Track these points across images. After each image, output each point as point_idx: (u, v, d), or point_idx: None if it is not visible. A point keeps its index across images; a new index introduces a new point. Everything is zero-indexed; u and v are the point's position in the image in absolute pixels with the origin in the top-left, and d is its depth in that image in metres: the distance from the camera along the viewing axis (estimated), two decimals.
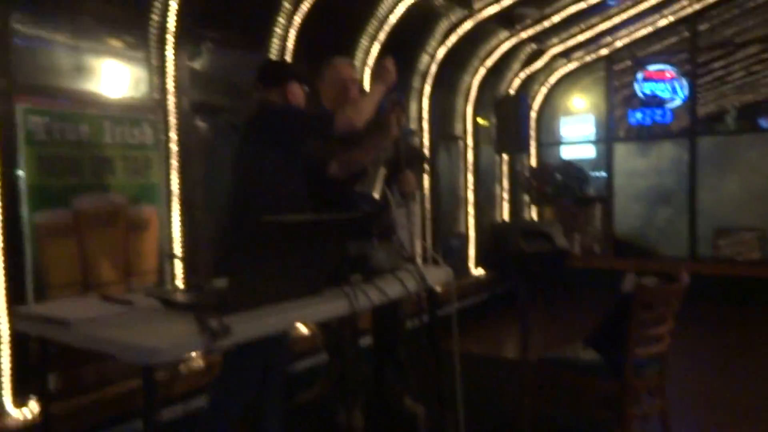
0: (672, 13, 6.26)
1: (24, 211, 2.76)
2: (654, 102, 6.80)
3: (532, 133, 7.09)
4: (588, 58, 6.95)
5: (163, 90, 3.36)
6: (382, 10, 4.59)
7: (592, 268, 6.69)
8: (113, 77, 3.23)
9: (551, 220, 3.84)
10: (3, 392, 2.68)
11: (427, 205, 5.37)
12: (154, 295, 1.75)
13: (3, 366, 2.68)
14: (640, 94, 6.89)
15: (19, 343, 2.68)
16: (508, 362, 4.33)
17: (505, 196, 6.81)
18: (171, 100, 3.36)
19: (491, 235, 2.96)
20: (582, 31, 6.22)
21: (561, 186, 6.63)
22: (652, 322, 2.49)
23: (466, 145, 6.14)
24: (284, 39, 3.98)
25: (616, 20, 6.06)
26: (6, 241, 2.68)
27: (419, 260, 5.03)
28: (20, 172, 2.74)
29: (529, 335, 2.95)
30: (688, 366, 4.12)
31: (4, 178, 2.68)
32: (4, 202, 2.67)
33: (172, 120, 3.35)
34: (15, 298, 2.70)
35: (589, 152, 7.48)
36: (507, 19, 5.54)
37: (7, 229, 2.69)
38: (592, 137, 7.41)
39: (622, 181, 7.03)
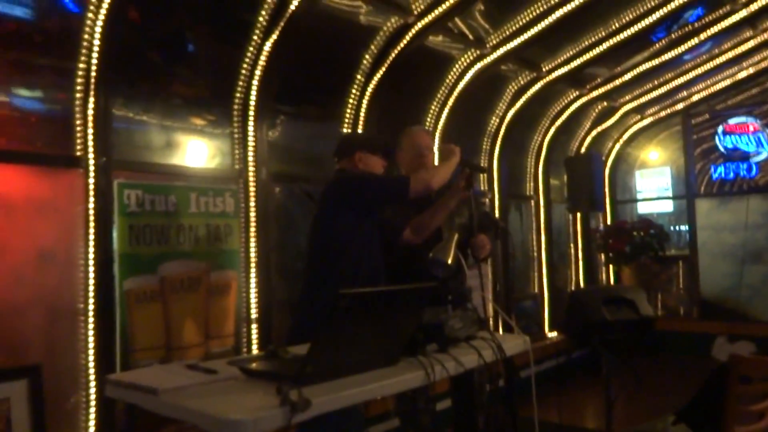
0: (752, 65, 6.07)
1: (116, 277, 2.94)
2: (737, 156, 6.54)
3: (606, 190, 6.94)
4: (663, 113, 6.81)
5: (245, 161, 3.55)
6: (451, 77, 4.71)
7: (677, 330, 6.34)
8: (198, 151, 3.45)
9: (634, 285, 3.70)
10: None
11: (499, 266, 5.30)
12: (236, 363, 1.80)
13: (90, 428, 2.79)
14: (721, 148, 6.65)
15: (104, 406, 2.79)
16: None
17: (580, 255, 6.64)
18: (251, 171, 3.54)
19: (569, 301, 2.88)
20: (655, 87, 6.13)
21: (639, 244, 6.40)
22: (751, 396, 2.31)
23: (537, 204, 6.07)
24: (357, 109, 4.15)
25: (692, 75, 5.94)
26: (98, 305, 2.85)
27: (493, 324, 4.94)
28: (114, 241, 2.93)
29: (613, 407, 2.80)
30: None
31: (100, 247, 2.87)
32: (97, 269, 2.86)
33: (252, 189, 3.51)
34: (104, 360, 2.84)
35: (666, 207, 7.23)
36: (576, 79, 5.55)
37: (100, 294, 2.86)
38: (669, 191, 7.16)
39: (706, 238, 6.71)
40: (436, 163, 2.88)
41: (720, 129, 6.64)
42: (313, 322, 2.07)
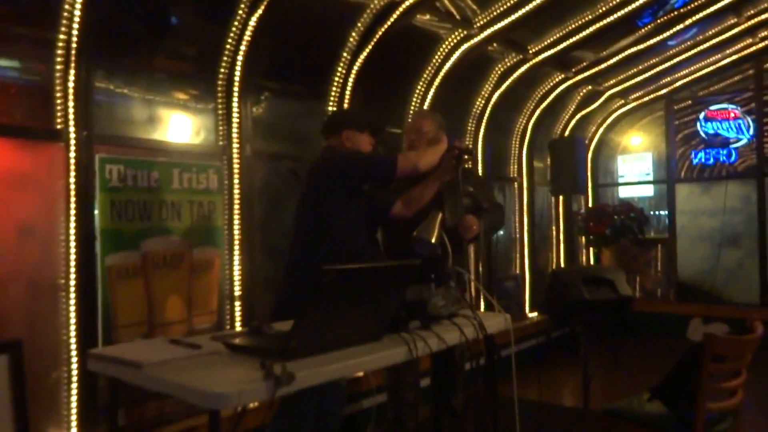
0: (735, 52, 6.12)
1: (97, 253, 2.91)
2: (717, 142, 6.62)
3: (588, 173, 7.00)
4: (646, 98, 6.86)
5: (229, 137, 3.52)
6: (437, 57, 4.69)
7: (654, 312, 6.46)
8: (182, 127, 3.42)
9: (613, 266, 3.75)
10: (72, 428, 2.78)
11: (482, 246, 5.34)
12: (220, 339, 1.81)
13: (72, 403, 2.79)
14: (702, 134, 6.72)
15: (85, 381, 2.79)
16: (568, 411, 4.19)
17: (561, 237, 6.71)
18: (235, 147, 3.52)
19: (550, 281, 2.92)
20: (640, 72, 6.16)
21: (619, 227, 6.48)
22: (723, 374, 2.38)
23: (521, 186, 6.11)
24: (343, 87, 4.12)
25: (676, 60, 5.98)
26: (79, 281, 2.83)
27: (475, 303, 4.99)
28: (95, 217, 2.91)
29: (590, 384, 2.86)
30: (763, 421, 3.88)
31: (81, 223, 2.84)
32: (79, 245, 2.83)
33: (236, 166, 3.49)
34: (86, 335, 2.83)
35: (647, 191, 7.31)
36: (562, 63, 5.56)
37: (81, 270, 2.84)
38: (651, 176, 7.24)
39: (685, 222, 6.82)
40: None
41: (702, 115, 6.71)
42: (296, 299, 2.08)
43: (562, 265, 6.68)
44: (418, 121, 3.03)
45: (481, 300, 3.86)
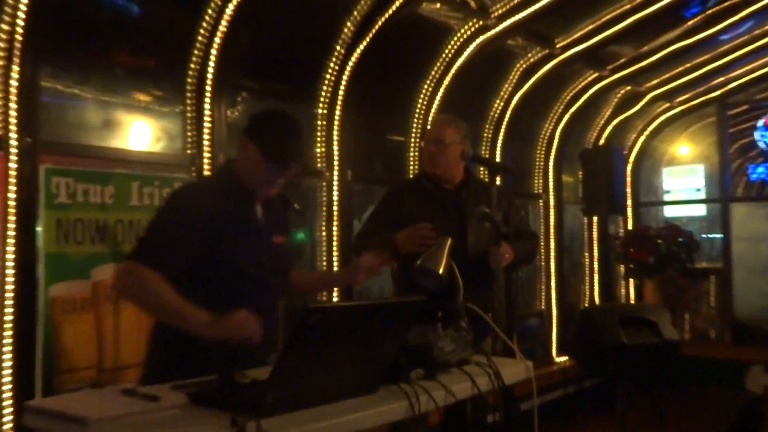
0: None
1: (40, 282, 2.90)
2: None
3: (628, 189, 7.02)
4: (695, 102, 6.89)
5: (199, 145, 3.54)
6: (447, 51, 4.73)
7: (706, 357, 6.42)
8: (143, 132, 3.44)
9: (656, 305, 3.75)
10: None
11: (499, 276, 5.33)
12: (183, 388, 1.79)
13: None
14: (762, 145, 6.75)
15: None
16: None
17: (595, 266, 6.70)
18: (206, 157, 3.54)
19: (581, 321, 2.92)
20: (687, 71, 6.19)
21: (664, 254, 6.49)
22: None
23: (547, 205, 6.13)
24: (335, 86, 4.15)
25: (729, 57, 6.01)
26: (18, 316, 2.80)
27: (491, 348, 4.98)
28: (38, 238, 2.90)
29: None
30: None
31: (20, 245, 2.83)
32: (18, 272, 2.82)
33: None
34: (22, 383, 2.80)
35: (698, 211, 7.32)
36: (595, 59, 5.60)
37: (20, 302, 2.82)
38: (702, 193, 7.25)
39: (743, 249, 6.81)
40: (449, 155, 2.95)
41: (761, 123, 6.74)
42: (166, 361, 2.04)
43: (596, 299, 6.67)
44: (439, 130, 3.04)
45: (498, 342, 3.85)
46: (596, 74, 5.88)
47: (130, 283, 2.03)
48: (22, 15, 2.82)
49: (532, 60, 5.33)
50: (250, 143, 2.16)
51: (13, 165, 2.83)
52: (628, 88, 6.35)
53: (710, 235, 7.17)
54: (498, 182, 2.82)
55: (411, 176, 3.47)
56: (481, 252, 2.85)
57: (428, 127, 3.08)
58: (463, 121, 3.13)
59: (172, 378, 1.85)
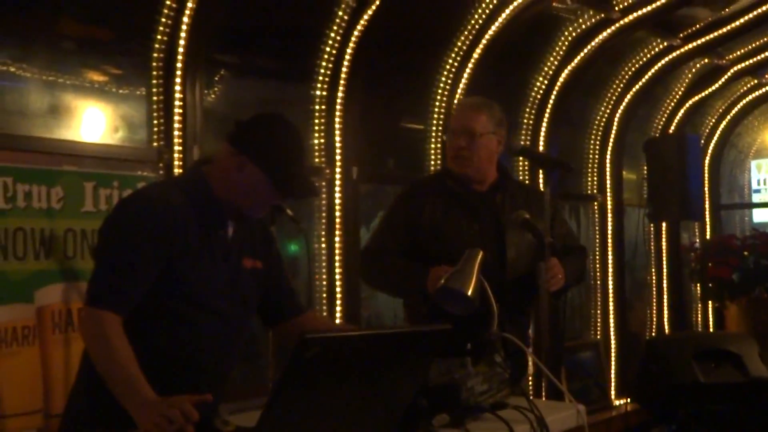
0: None
1: None
2: None
3: (706, 188, 6.99)
4: None
5: (168, 136, 3.56)
6: (477, 17, 4.74)
7: None
8: (98, 121, 3.46)
9: (741, 333, 3.72)
10: None
11: (543, 300, 5.32)
12: None
13: None
14: None
15: None
16: None
17: (664, 285, 6.68)
18: (177, 150, 3.55)
19: (646, 354, 2.92)
20: None
21: (752, 270, 6.46)
22: None
23: (603, 208, 6.11)
24: (337, 62, 4.17)
25: None
26: None
27: (533, 387, 4.97)
28: None
29: None
30: None
31: None
32: None
33: None
34: None
35: None
36: (664, 25, 5.59)
37: None
38: None
39: None
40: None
41: None
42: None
43: (666, 328, 6.63)
44: (467, 117, 2.98)
45: (543, 381, 3.85)
46: (665, 43, 5.87)
47: (88, 335, 2.10)
48: None
49: (584, 27, 5.34)
50: (250, 164, 2.15)
51: None
52: (706, 61, 6.34)
53: None
54: (542, 184, 2.79)
55: (431, 174, 3.44)
56: (522, 270, 2.85)
57: (452, 114, 3.04)
58: (497, 104, 3.11)
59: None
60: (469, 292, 2.42)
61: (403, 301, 3.17)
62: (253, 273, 2.29)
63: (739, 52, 6.35)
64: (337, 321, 4.03)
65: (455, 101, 4.73)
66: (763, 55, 6.36)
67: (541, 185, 2.81)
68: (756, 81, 6.91)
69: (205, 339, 2.16)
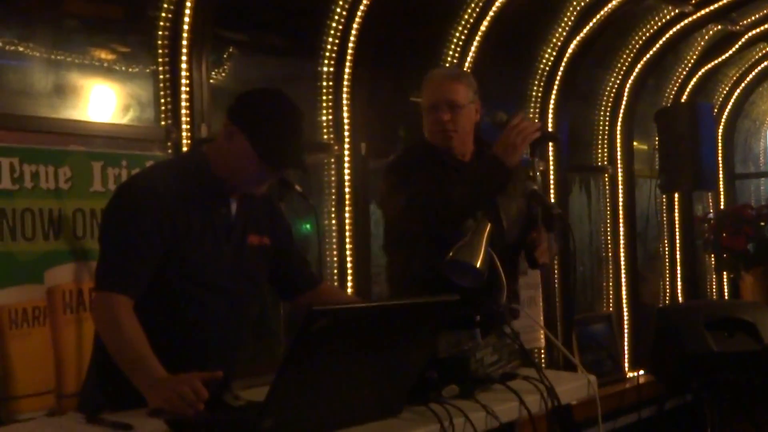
0: None
1: None
2: None
3: (719, 158, 6.95)
4: None
5: (175, 115, 3.57)
6: None
7: None
8: (106, 100, 3.47)
9: (755, 302, 3.71)
10: None
11: (555, 271, 5.33)
12: (161, 414, 1.83)
13: None
14: None
15: None
16: None
17: (678, 257, 6.66)
18: (185, 129, 3.56)
19: (657, 324, 2.92)
20: None
21: None
22: None
23: (614, 180, 6.10)
24: (343, 37, 4.16)
25: None
26: None
27: (545, 358, 4.98)
28: None
29: None
30: None
31: None
32: None
33: None
34: None
35: None
36: None
37: None
38: None
39: None
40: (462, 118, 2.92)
41: None
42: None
43: (679, 298, 6.63)
44: (447, 89, 2.92)
45: (556, 353, 3.86)
46: (677, 10, 5.81)
47: (99, 318, 2.15)
48: None
49: None
50: (239, 134, 2.16)
51: None
52: (719, 27, 6.26)
53: None
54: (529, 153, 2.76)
55: (411, 148, 3.37)
56: (512, 240, 2.85)
57: (427, 87, 2.97)
58: (470, 74, 3.10)
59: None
60: (478, 264, 2.42)
61: (387, 277, 3.16)
62: (259, 249, 2.31)
63: (753, 18, 6.25)
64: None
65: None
66: None
67: (529, 155, 2.75)
68: None
69: (212, 316, 2.19)
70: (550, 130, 5.17)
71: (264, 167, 2.16)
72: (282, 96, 2.23)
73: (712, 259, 6.88)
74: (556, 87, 5.47)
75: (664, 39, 5.99)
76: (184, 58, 3.58)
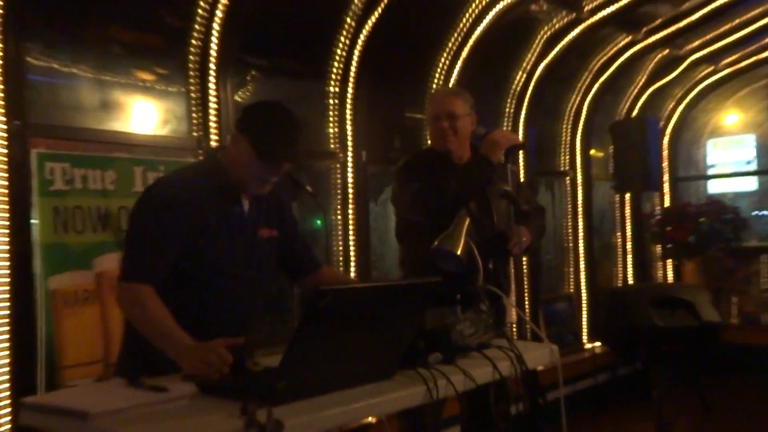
0: None
1: (37, 274, 2.96)
2: None
3: (665, 164, 6.97)
4: (743, 63, 6.68)
5: (205, 127, 3.59)
6: (465, 21, 4.72)
7: (756, 344, 6.35)
8: (145, 114, 3.48)
9: (694, 285, 3.73)
10: None
11: (523, 258, 5.33)
12: (193, 378, 1.84)
13: None
14: None
15: None
16: None
17: (629, 247, 6.67)
18: (213, 139, 3.58)
19: (609, 302, 2.93)
20: (734, 29, 5.95)
21: (707, 233, 6.43)
22: None
23: (574, 182, 6.11)
24: (347, 62, 4.18)
25: None
26: (15, 310, 2.84)
27: (517, 333, 4.99)
28: (34, 228, 2.94)
29: None
30: None
31: (15, 236, 2.86)
32: (13, 264, 2.85)
33: None
34: (22, 380, 2.84)
35: (747, 185, 7.19)
36: (628, 21, 5.52)
37: (17, 296, 2.85)
38: (753, 165, 7.11)
39: None
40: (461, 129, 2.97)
41: None
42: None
43: (630, 281, 6.63)
44: (447, 102, 3.03)
45: (526, 329, 3.88)
46: (629, 38, 5.79)
47: (125, 305, 2.14)
48: None
49: (557, 26, 5.28)
50: (242, 138, 2.18)
51: (2, 150, 2.82)
52: (666, 52, 6.22)
53: (763, 212, 7.06)
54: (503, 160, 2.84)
55: (419, 153, 3.44)
56: (499, 233, 2.88)
57: (431, 102, 3.09)
58: (467, 91, 3.16)
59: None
60: (458, 252, 2.44)
61: (399, 261, 3.20)
62: (269, 241, 2.33)
63: (695, 43, 6.22)
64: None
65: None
66: (718, 45, 6.22)
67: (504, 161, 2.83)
68: (712, 67, 6.75)
69: (227, 299, 2.21)
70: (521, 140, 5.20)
71: (263, 165, 2.16)
72: (278, 105, 2.23)
73: (659, 248, 6.88)
74: (525, 104, 5.47)
75: (618, 62, 5.99)
76: (212, 79, 3.60)
